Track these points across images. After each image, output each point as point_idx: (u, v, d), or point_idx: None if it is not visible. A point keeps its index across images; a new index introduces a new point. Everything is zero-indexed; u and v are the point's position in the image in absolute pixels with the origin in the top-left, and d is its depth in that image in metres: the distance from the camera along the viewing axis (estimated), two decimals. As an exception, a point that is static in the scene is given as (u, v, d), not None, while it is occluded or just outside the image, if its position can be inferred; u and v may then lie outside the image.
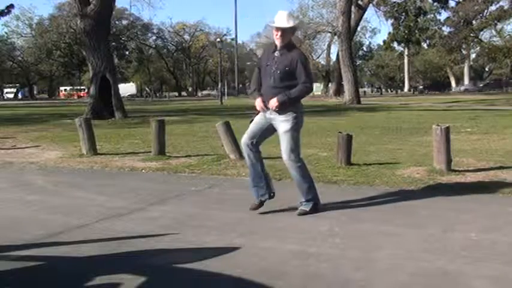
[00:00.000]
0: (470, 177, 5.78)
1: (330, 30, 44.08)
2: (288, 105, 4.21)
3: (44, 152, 8.93)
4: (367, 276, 2.95)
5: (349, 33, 33.01)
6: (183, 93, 74.75)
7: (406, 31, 46.95)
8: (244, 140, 4.41)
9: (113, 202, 4.94)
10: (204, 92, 77.80)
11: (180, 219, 4.26)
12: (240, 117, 15.41)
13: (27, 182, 6.21)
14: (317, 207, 4.35)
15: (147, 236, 3.78)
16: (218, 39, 48.32)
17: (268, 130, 4.38)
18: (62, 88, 73.85)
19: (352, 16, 34.60)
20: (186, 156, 7.84)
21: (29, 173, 6.89)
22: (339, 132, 7.00)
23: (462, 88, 60.73)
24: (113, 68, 19.84)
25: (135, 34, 69.35)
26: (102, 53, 18.32)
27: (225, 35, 70.76)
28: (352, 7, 34.24)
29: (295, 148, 4.26)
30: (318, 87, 57.57)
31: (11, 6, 32.78)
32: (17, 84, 70.95)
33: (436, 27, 50.01)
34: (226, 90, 43.60)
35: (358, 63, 70.57)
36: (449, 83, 69.70)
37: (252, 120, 4.47)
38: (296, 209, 4.36)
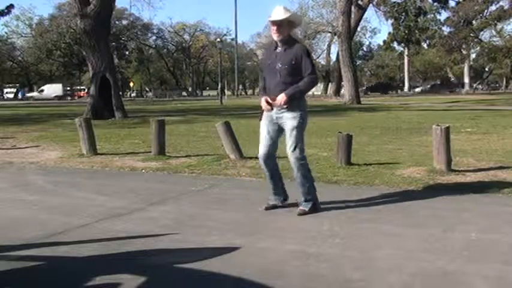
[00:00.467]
0: (470, 177, 5.78)
1: (330, 30, 44.04)
2: (296, 98, 4.22)
3: (44, 152, 8.93)
4: (367, 276, 2.95)
5: (349, 33, 32.99)
6: (183, 93, 74.71)
7: (406, 31, 46.86)
8: (262, 156, 4.38)
9: (113, 202, 4.94)
10: (211, 93, 77.28)
11: (180, 219, 4.26)
12: (240, 117, 15.43)
13: (27, 182, 6.21)
14: (316, 208, 4.35)
15: (147, 236, 3.78)
16: (218, 39, 48.35)
17: (278, 135, 4.39)
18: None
19: (352, 16, 34.56)
20: (186, 156, 7.85)
21: (29, 173, 6.89)
22: (339, 132, 7.00)
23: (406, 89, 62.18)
24: (113, 68, 19.84)
25: (135, 34, 69.34)
26: (102, 53, 18.33)
27: (225, 35, 70.82)
28: (352, 7, 34.20)
29: (301, 145, 4.27)
30: (318, 87, 57.49)
31: (11, 6, 32.84)
32: (17, 84, 70.91)
33: (436, 27, 49.95)
34: (226, 90, 43.58)
35: (358, 63, 70.55)
36: (400, 85, 69.85)
37: (260, 119, 4.43)
38: (296, 208, 4.36)
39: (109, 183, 6.01)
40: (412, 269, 3.05)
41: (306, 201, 4.35)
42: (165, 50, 75.77)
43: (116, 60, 51.48)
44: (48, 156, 8.36)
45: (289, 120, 4.25)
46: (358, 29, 47.35)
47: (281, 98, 4.18)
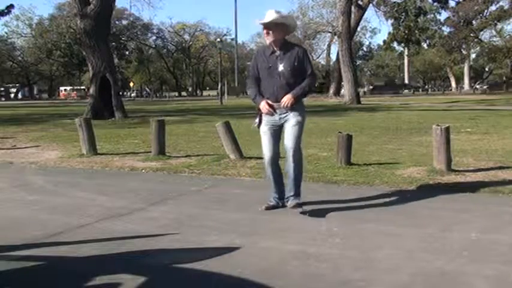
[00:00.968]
0: (470, 177, 5.78)
1: (330, 30, 44.08)
2: (300, 99, 4.35)
3: (44, 152, 8.93)
4: (367, 276, 2.95)
5: (349, 33, 33.00)
6: (183, 93, 74.77)
7: (406, 31, 46.83)
8: (268, 160, 4.39)
9: (113, 202, 4.94)
10: (211, 93, 76.92)
11: (180, 219, 4.26)
12: (240, 118, 15.42)
13: (27, 182, 6.22)
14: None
15: (147, 236, 3.78)
16: (218, 39, 48.38)
17: (281, 136, 4.42)
18: (62, 88, 73.84)
19: (352, 16, 34.55)
20: (186, 156, 7.85)
21: (29, 173, 6.89)
22: (339, 132, 7.00)
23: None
24: (113, 68, 19.84)
25: (135, 34, 69.41)
26: (102, 53, 18.34)
27: (225, 35, 70.92)
28: (352, 7, 34.21)
29: (300, 138, 4.34)
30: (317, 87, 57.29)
31: (11, 6, 32.87)
32: (17, 84, 70.96)
33: (436, 27, 49.95)
34: (226, 90, 43.54)
35: (358, 63, 70.57)
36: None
37: (258, 126, 4.44)
38: (296, 208, 4.35)
39: (109, 183, 6.02)
40: (412, 269, 3.05)
41: (296, 194, 4.34)
42: (165, 50, 75.82)
43: (116, 60, 51.49)
44: (48, 156, 8.36)
45: (293, 117, 4.31)
46: (358, 29, 47.35)
47: (288, 99, 4.24)
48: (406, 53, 65.66)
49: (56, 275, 3.11)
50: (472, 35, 49.00)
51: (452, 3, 46.31)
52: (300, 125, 4.32)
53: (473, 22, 47.74)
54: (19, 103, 45.12)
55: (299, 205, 4.28)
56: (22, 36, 65.62)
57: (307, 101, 4.52)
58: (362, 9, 38.23)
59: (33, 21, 64.20)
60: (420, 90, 69.50)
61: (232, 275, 2.97)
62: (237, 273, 3.00)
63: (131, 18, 66.55)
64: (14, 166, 7.51)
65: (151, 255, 3.41)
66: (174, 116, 18.76)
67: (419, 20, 44.54)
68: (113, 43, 56.21)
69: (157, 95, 71.63)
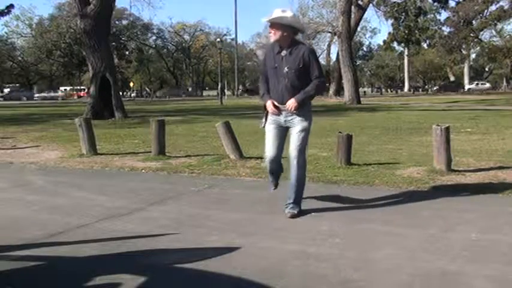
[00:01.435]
0: (470, 177, 5.78)
1: (330, 30, 44.01)
2: (306, 103, 4.24)
3: (44, 152, 8.93)
4: (367, 276, 2.95)
5: (349, 33, 32.99)
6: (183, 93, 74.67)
7: (406, 31, 46.89)
8: (270, 160, 4.38)
9: (113, 202, 4.94)
10: (211, 93, 76.72)
11: (180, 219, 4.26)
12: (240, 118, 15.42)
13: (27, 182, 6.21)
14: (300, 210, 4.31)
15: (147, 236, 3.78)
16: (218, 39, 48.35)
17: (285, 137, 4.38)
18: (61, 88, 73.80)
19: (352, 16, 34.57)
20: (186, 156, 7.84)
21: (29, 173, 6.88)
22: (339, 132, 7.00)
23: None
24: (113, 68, 19.83)
25: (135, 34, 69.35)
26: (102, 53, 18.32)
27: (225, 35, 70.91)
28: (352, 7, 34.21)
29: (305, 146, 4.29)
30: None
31: (11, 6, 32.77)
32: (17, 84, 70.92)
33: (436, 27, 50.01)
34: (226, 90, 43.57)
35: (358, 63, 70.58)
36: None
37: (264, 126, 4.41)
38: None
39: (109, 183, 6.01)
40: (412, 269, 3.05)
41: (295, 202, 4.28)
42: (165, 50, 75.79)
43: (116, 60, 51.42)
44: (48, 156, 8.36)
45: (299, 123, 4.24)
46: (358, 29, 47.39)
47: (291, 104, 4.15)
48: (406, 53, 65.69)
49: (56, 275, 3.11)
50: (472, 35, 49.05)
51: (452, 3, 46.40)
52: (306, 132, 4.24)
53: (473, 22, 47.78)
54: (19, 103, 45.08)
55: (296, 215, 4.22)
56: (22, 36, 65.60)
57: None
58: (362, 9, 38.26)
59: (33, 21, 64.20)
60: (420, 90, 69.51)
61: (232, 275, 2.97)
62: (237, 273, 3.00)
63: (131, 18, 66.49)
64: (14, 166, 7.51)
65: (152, 255, 3.41)
66: (174, 116, 18.75)
67: (419, 20, 44.60)
68: (113, 43, 56.11)
69: (157, 95, 71.56)
